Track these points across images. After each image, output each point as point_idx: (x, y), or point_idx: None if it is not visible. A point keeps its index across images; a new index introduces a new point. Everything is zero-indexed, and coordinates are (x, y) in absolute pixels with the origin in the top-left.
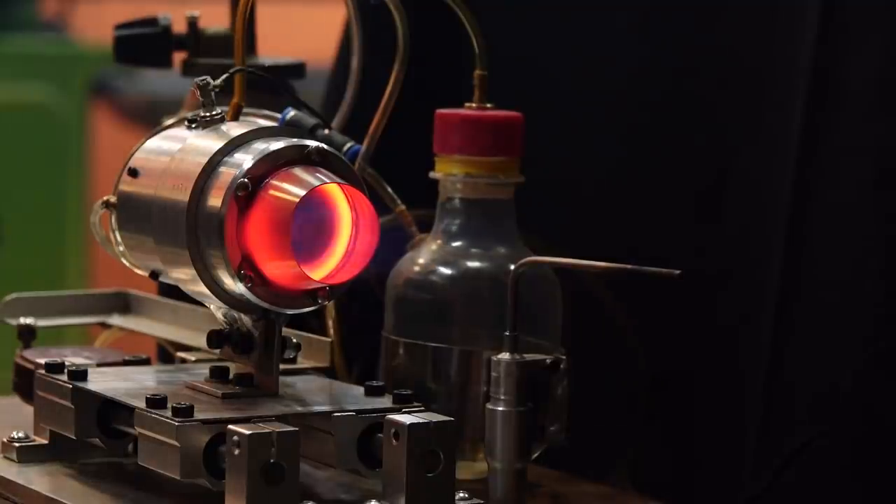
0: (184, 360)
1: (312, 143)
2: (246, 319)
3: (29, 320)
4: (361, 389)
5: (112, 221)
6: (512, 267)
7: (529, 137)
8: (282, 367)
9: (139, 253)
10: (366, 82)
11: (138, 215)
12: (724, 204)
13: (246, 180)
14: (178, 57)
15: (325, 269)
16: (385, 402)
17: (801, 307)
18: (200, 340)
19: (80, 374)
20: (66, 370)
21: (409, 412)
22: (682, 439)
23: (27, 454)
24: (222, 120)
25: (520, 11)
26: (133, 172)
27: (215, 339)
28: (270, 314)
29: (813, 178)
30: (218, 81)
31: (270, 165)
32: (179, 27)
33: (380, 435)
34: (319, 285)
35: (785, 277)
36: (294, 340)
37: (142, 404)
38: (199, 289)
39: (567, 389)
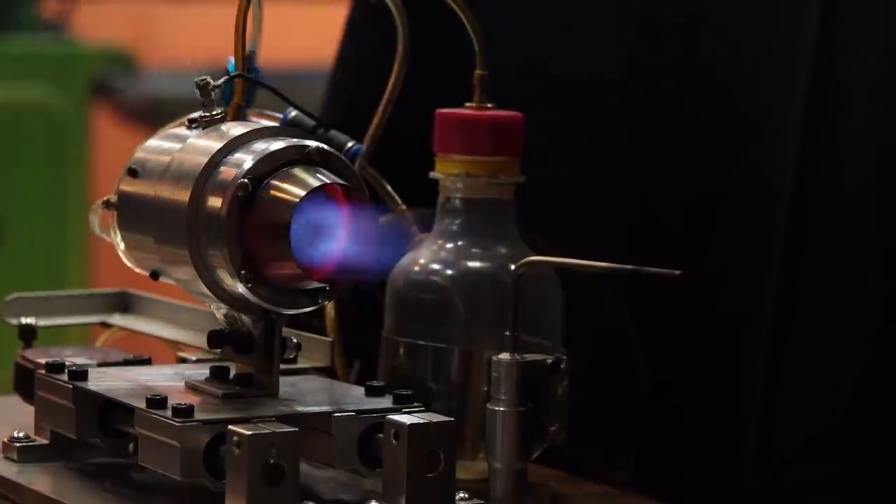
0: (184, 360)
1: (313, 143)
2: (246, 319)
3: (29, 320)
4: (361, 389)
5: (112, 221)
6: (512, 267)
7: (530, 137)
8: (282, 367)
9: (139, 253)
10: (365, 82)
11: (138, 215)
12: (724, 204)
13: (246, 180)
14: None
15: (325, 269)
16: (385, 402)
17: (801, 307)
18: (200, 340)
19: (80, 374)
20: (66, 370)
21: (409, 412)
22: (683, 439)
23: (27, 454)
24: (223, 120)
25: (520, 11)
26: (133, 172)
27: (215, 339)
28: (270, 314)
29: (813, 178)
30: (218, 82)
31: (271, 165)
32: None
33: (380, 435)
34: (319, 285)
35: (785, 277)
36: (294, 340)
37: (142, 404)
38: (200, 289)
39: (567, 389)
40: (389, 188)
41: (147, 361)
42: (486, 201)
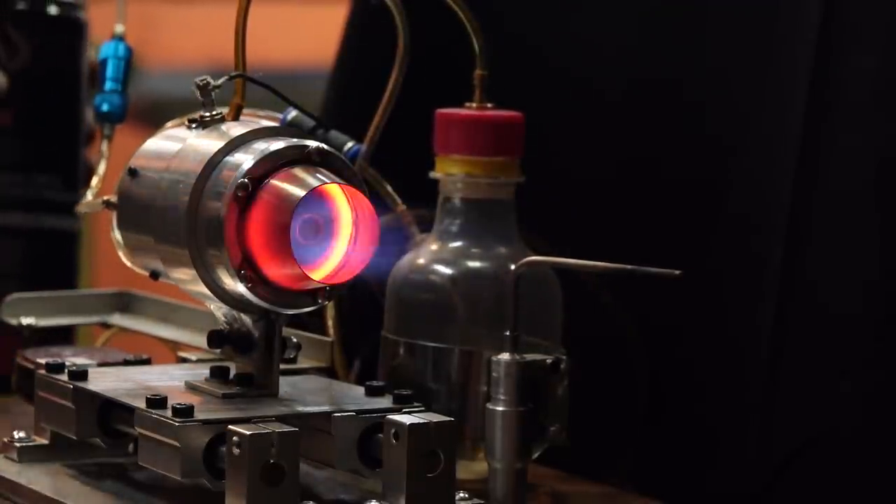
0: (184, 360)
1: (313, 143)
2: (246, 319)
3: (29, 320)
4: (361, 389)
5: (112, 221)
6: (512, 267)
7: (530, 137)
8: (282, 367)
9: (139, 253)
10: (365, 82)
11: (138, 215)
12: (724, 204)
13: (246, 180)
14: None
15: (325, 269)
16: (385, 402)
17: (802, 307)
18: (200, 340)
19: (80, 374)
20: (66, 370)
21: (409, 412)
22: (683, 439)
23: (28, 454)
24: (222, 120)
25: (521, 11)
26: (133, 172)
27: (215, 339)
28: (270, 314)
29: (813, 178)
30: (218, 82)
31: (271, 165)
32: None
33: (380, 435)
34: (319, 285)
35: (785, 277)
36: (294, 340)
37: (142, 404)
38: (199, 289)
39: (567, 389)
40: (389, 188)
41: (147, 361)
42: (486, 201)
